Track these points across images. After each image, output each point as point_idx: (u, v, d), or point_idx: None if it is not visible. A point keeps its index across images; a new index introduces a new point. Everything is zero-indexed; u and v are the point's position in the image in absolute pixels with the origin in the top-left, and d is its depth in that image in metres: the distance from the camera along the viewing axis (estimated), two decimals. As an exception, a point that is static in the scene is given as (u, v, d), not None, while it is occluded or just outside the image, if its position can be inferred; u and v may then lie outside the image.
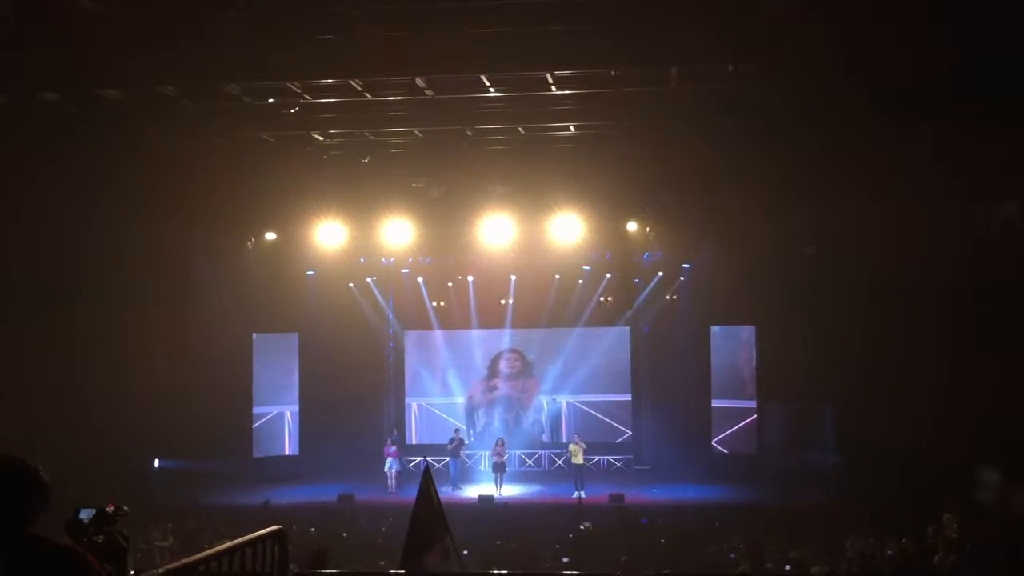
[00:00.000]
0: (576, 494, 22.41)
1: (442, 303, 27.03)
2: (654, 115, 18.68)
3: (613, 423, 26.72)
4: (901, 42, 14.52)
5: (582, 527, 17.71)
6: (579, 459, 23.00)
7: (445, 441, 24.67)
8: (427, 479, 8.92)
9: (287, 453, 26.30)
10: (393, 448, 24.11)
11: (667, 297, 26.02)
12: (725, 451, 25.35)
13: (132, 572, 4.37)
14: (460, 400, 27.40)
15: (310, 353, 26.44)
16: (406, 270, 26.72)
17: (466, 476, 24.25)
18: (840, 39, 14.50)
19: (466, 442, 24.79)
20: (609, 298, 26.52)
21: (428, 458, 24.06)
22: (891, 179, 18.58)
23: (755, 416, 25.19)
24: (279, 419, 26.43)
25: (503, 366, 27.53)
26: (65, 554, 3.60)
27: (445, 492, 22.86)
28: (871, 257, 20.10)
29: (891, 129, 17.41)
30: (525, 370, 27.46)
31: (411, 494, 8.11)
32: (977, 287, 19.47)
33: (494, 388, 27.51)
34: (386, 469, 23.82)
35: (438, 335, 27.51)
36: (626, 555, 14.99)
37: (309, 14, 14.63)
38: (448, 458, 24.17)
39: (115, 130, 18.10)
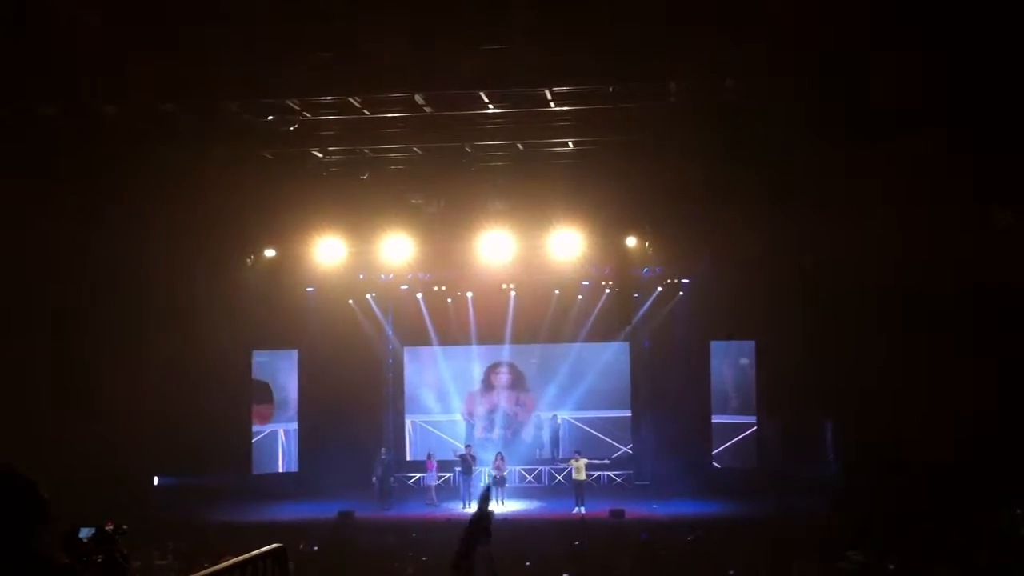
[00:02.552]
0: (576, 510, 22.40)
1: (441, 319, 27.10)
2: (653, 130, 18.72)
3: (608, 440, 26.71)
4: (901, 52, 14.57)
5: (576, 544, 17.67)
6: (581, 475, 22.99)
7: (442, 458, 24.72)
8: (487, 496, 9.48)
9: (281, 470, 26.27)
10: (435, 462, 24.33)
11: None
12: (718, 466, 25.37)
13: (131, 591, 4.35)
14: (460, 416, 27.42)
15: (309, 370, 26.42)
16: (405, 286, 26.73)
17: (470, 492, 24.17)
18: (840, 48, 14.54)
19: (476, 459, 24.69)
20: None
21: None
22: (890, 189, 18.59)
23: (746, 432, 25.24)
24: (273, 437, 26.40)
25: (495, 379, 27.55)
26: (62, 573, 3.58)
27: (455, 508, 23.02)
28: (871, 269, 20.13)
29: (890, 140, 17.44)
30: (519, 383, 27.47)
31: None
32: (978, 296, 19.48)
33: (491, 401, 27.52)
34: (428, 483, 24.14)
35: (437, 351, 27.50)
36: (627, 571, 14.94)
37: (308, 31, 14.67)
38: (450, 474, 24.29)
39: (113, 146, 18.11)
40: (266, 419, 26.29)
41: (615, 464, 26.37)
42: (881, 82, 15.56)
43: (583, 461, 23.21)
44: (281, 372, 26.76)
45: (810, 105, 16.91)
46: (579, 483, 22.95)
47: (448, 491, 24.51)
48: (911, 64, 14.89)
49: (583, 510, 22.32)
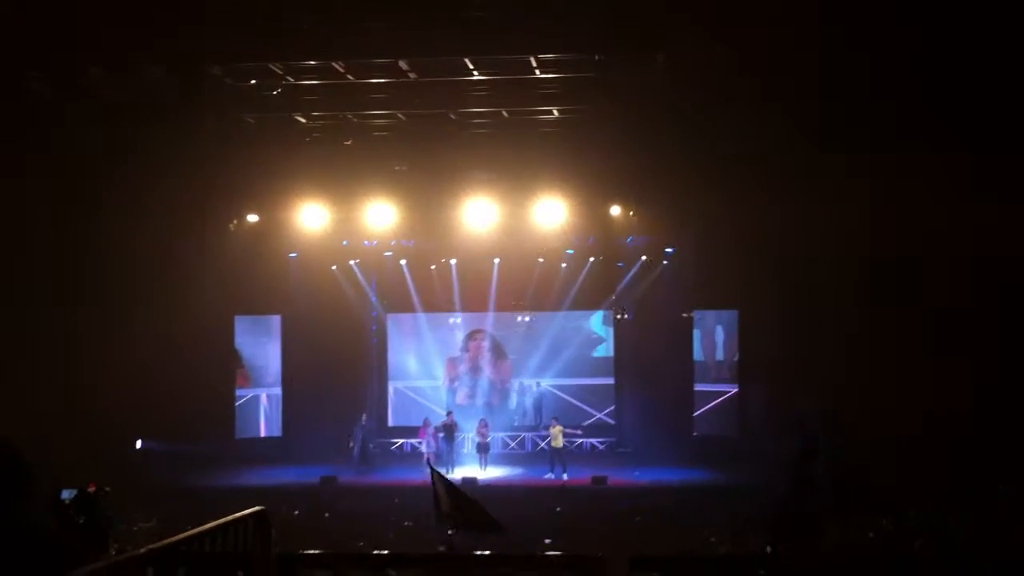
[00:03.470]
0: (548, 475, 22.60)
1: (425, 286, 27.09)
2: (638, 99, 18.67)
3: (587, 408, 26.90)
4: (890, 26, 14.58)
5: (558, 509, 17.82)
6: (558, 442, 23.16)
7: (421, 424, 24.76)
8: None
9: (262, 435, 26.29)
10: (431, 429, 24.18)
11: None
12: (699, 434, 25.54)
13: (113, 552, 4.37)
14: (442, 383, 27.55)
15: (293, 335, 26.40)
16: (389, 253, 26.69)
17: (453, 459, 24.23)
18: (827, 22, 14.53)
19: (459, 425, 24.78)
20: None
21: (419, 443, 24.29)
22: (875, 163, 18.66)
23: (723, 398, 25.42)
24: (255, 402, 26.42)
25: (475, 346, 27.64)
26: (43, 534, 3.60)
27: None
28: (854, 241, 20.24)
29: (875, 114, 17.50)
30: (498, 350, 27.55)
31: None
32: (959, 271, 19.65)
33: (472, 369, 27.61)
34: (424, 449, 24.03)
35: (421, 318, 27.53)
36: (606, 537, 15.06)
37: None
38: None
39: (95, 113, 17.96)
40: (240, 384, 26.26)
41: (595, 431, 26.56)
42: (863, 62, 15.60)
43: (558, 428, 23.38)
44: (250, 341, 26.64)
45: (795, 76, 16.90)
46: (557, 450, 23.14)
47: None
48: (893, 44, 14.92)
49: (566, 476, 22.50)
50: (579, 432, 25.71)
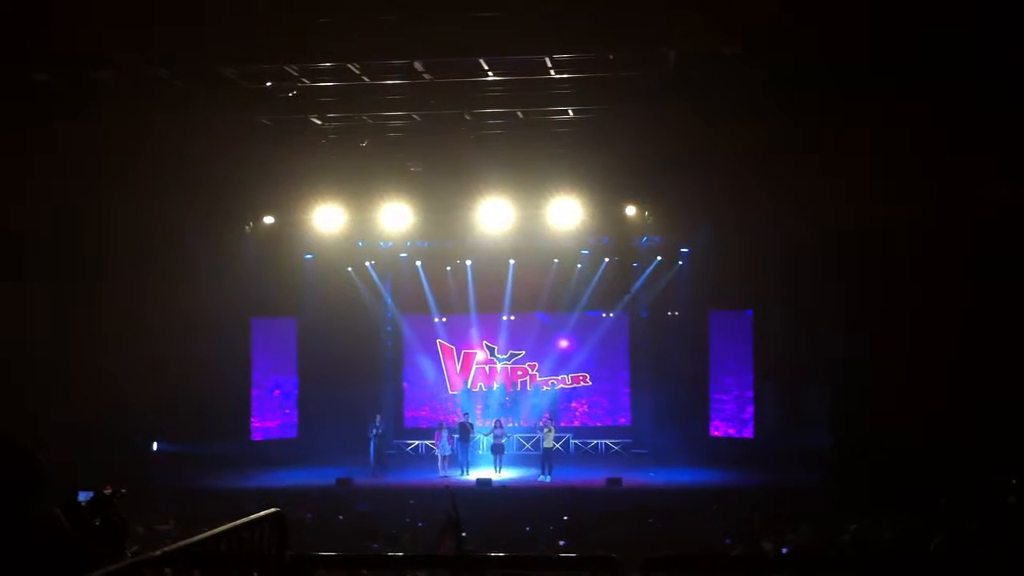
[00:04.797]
0: (541, 477, 22.56)
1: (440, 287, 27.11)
2: (652, 98, 18.60)
3: (600, 408, 26.89)
4: (897, 20, 14.50)
5: (570, 515, 17.76)
6: (549, 443, 23.15)
7: (436, 425, 24.75)
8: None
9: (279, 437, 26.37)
10: (445, 432, 24.14)
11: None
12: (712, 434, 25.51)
13: (129, 554, 4.38)
14: (457, 385, 27.54)
15: (308, 337, 26.45)
16: (404, 254, 26.73)
17: (468, 460, 24.21)
18: (837, 14, 14.46)
19: (474, 425, 24.79)
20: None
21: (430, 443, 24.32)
22: (889, 158, 18.56)
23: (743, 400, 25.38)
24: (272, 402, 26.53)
25: (493, 348, 27.60)
26: (58, 536, 3.60)
27: (453, 475, 23.00)
28: (868, 239, 20.17)
29: (888, 108, 17.41)
30: (516, 352, 27.51)
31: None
32: (975, 265, 19.56)
33: (490, 370, 27.59)
34: (437, 452, 23.98)
35: (436, 319, 27.55)
36: (621, 538, 15.04)
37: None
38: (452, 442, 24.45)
39: (109, 114, 17.98)
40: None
41: (610, 432, 26.59)
42: (881, 47, 15.50)
43: (549, 428, 23.34)
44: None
45: (809, 72, 16.82)
46: (548, 451, 23.12)
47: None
48: (909, 31, 14.85)
49: (547, 478, 22.48)
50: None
